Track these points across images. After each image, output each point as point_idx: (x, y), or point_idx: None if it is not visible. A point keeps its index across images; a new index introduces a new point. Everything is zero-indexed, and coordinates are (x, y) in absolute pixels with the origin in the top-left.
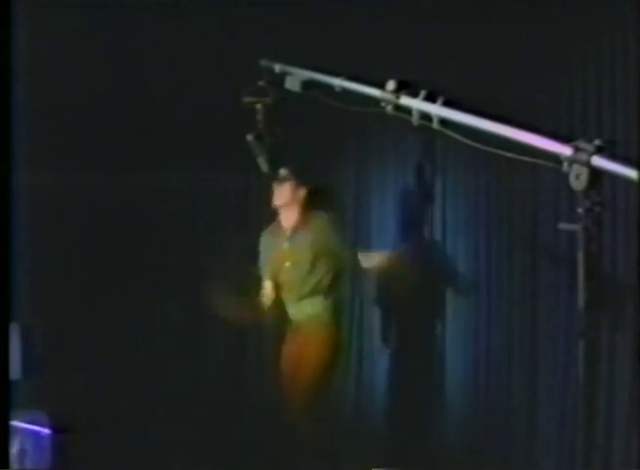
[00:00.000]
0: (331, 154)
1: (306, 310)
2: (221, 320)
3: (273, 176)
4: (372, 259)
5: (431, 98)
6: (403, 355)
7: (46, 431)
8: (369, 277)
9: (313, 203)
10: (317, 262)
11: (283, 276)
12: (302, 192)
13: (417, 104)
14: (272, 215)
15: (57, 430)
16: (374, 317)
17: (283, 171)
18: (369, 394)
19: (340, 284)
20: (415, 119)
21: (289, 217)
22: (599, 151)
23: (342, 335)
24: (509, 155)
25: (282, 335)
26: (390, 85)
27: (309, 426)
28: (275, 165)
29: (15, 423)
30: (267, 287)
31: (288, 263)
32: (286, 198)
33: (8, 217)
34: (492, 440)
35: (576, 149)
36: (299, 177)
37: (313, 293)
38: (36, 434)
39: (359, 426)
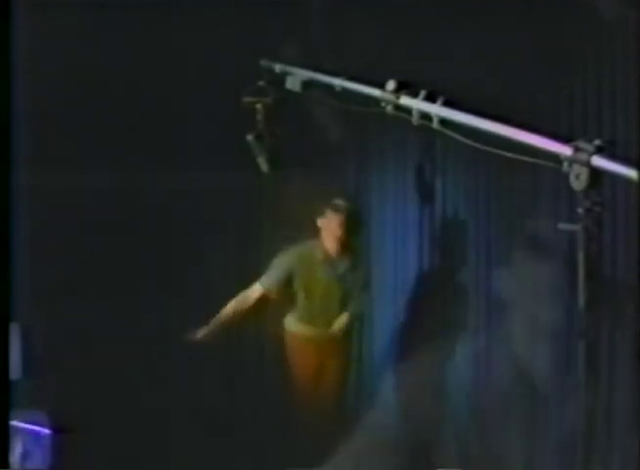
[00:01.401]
0: (331, 154)
1: (331, 328)
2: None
3: (336, 208)
4: None
5: (431, 98)
6: (405, 355)
7: (46, 431)
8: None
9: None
10: (349, 291)
11: (316, 300)
12: (344, 222)
13: (417, 104)
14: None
15: (57, 430)
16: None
17: (342, 203)
18: (382, 400)
19: (363, 301)
20: (415, 119)
21: (333, 246)
22: (599, 151)
23: (359, 348)
24: (509, 155)
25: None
26: (390, 85)
27: (323, 436)
28: (275, 165)
29: (15, 423)
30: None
31: (323, 291)
32: (335, 227)
33: (8, 217)
34: (493, 439)
35: (576, 149)
36: (357, 216)
37: (340, 313)
38: (36, 434)
39: (369, 432)
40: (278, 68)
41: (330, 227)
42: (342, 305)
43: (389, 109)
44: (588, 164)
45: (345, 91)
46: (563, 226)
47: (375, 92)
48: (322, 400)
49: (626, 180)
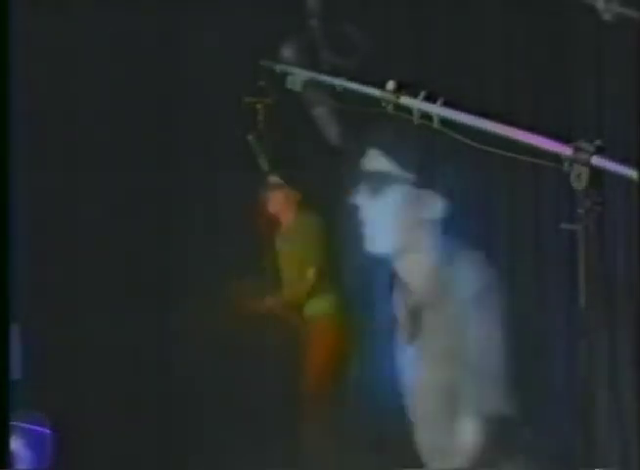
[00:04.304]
0: (331, 154)
1: (313, 309)
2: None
3: (266, 184)
4: None
5: (431, 98)
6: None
7: (46, 431)
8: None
9: (307, 207)
10: (308, 263)
11: (285, 277)
12: (295, 198)
13: (417, 104)
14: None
15: (57, 430)
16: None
17: (274, 179)
18: (379, 390)
19: (343, 282)
20: (416, 119)
21: (283, 222)
22: (599, 151)
23: (350, 333)
24: (509, 155)
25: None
26: (390, 85)
27: (321, 422)
28: (275, 165)
29: (15, 423)
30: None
31: (285, 265)
32: (279, 204)
33: (8, 217)
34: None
35: (576, 149)
36: (291, 185)
37: (315, 292)
38: (36, 434)
39: (370, 423)
40: (278, 68)
41: (270, 205)
42: (290, 275)
43: (390, 109)
44: (589, 164)
45: (346, 91)
46: (564, 226)
47: (375, 92)
48: (315, 389)
49: (626, 180)
